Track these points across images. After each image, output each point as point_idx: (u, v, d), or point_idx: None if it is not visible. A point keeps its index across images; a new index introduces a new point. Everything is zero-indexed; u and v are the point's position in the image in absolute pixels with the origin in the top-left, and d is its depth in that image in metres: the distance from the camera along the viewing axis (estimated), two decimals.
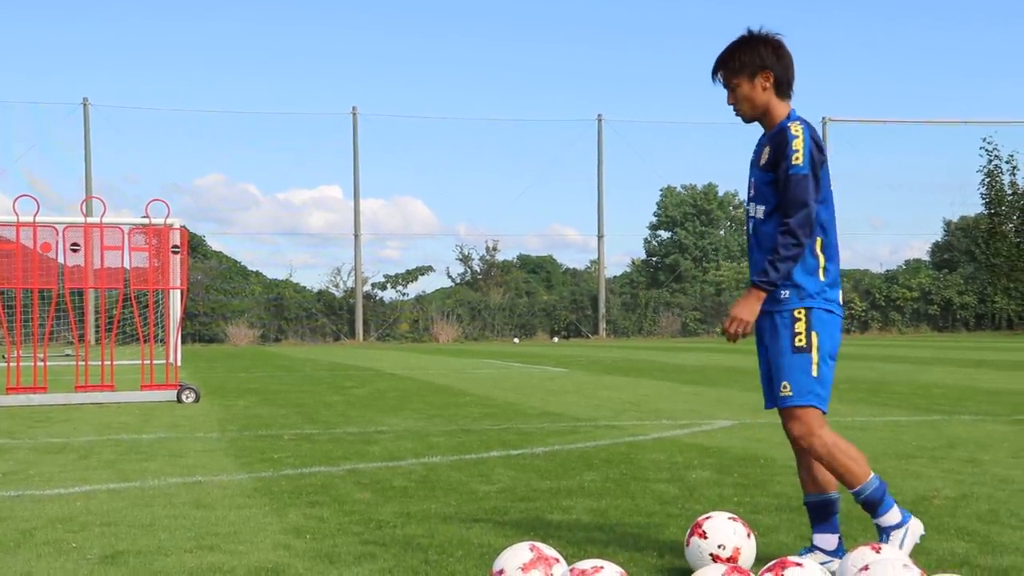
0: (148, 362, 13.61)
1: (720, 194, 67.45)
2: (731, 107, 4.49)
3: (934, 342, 37.49)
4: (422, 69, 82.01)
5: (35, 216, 13.16)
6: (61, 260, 13.41)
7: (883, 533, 4.28)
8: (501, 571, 3.75)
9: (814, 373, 4.27)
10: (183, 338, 13.74)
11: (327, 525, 5.37)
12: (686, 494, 6.20)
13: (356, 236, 47.26)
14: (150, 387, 13.50)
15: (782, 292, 4.29)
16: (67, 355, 21.73)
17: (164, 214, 13.81)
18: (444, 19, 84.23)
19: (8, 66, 75.81)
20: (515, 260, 58.90)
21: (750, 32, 4.44)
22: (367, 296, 47.73)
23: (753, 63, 4.39)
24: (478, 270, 53.97)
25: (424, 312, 47.80)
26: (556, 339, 47.54)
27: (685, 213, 66.47)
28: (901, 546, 4.20)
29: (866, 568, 3.45)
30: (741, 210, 67.77)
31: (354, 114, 47.01)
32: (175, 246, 13.91)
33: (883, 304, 50.35)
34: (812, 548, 4.43)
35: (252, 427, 10.19)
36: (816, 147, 4.28)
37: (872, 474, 4.29)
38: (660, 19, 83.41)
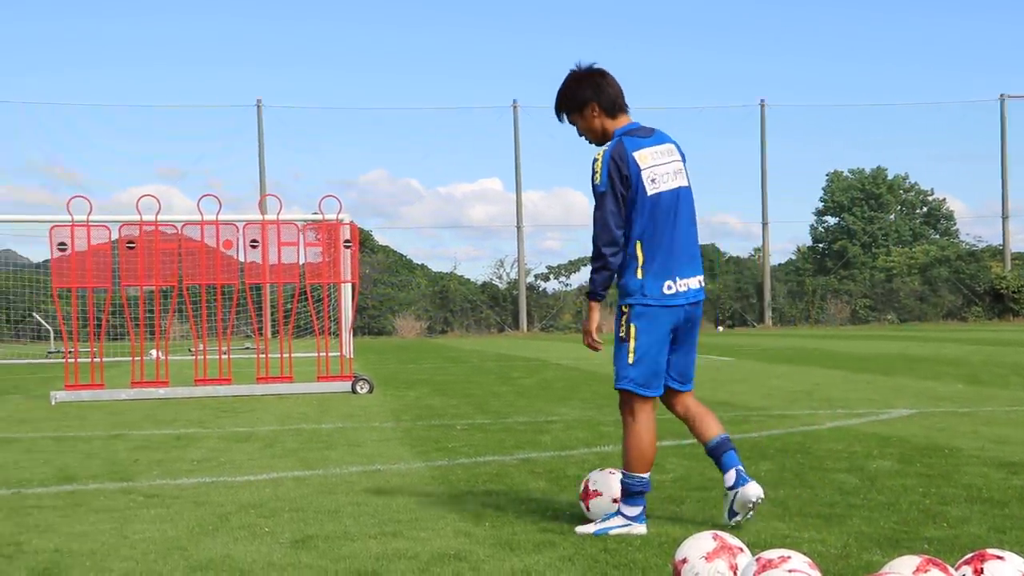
0: (323, 354, 14.05)
1: (889, 177, 65.26)
2: (583, 137, 5.20)
3: None
4: (577, 58, 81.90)
5: (217, 215, 13.74)
6: (240, 258, 13.97)
7: (617, 513, 4.95)
8: (684, 560, 3.73)
9: (630, 360, 4.97)
10: (353, 331, 14.09)
11: (505, 513, 5.44)
12: (867, 484, 6.05)
13: (519, 228, 47.58)
14: (326, 378, 13.93)
15: (618, 290, 5.04)
16: (247, 348, 22.60)
17: (336, 210, 14.22)
18: (606, 10, 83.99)
19: (185, 71, 79.21)
20: None
21: (571, 72, 5.13)
22: (530, 287, 48.03)
23: (577, 101, 5.11)
24: None
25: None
26: (721, 328, 46.90)
27: (853, 198, 64.54)
28: (610, 530, 4.87)
29: None
30: (912, 193, 65.47)
31: (515, 107, 47.30)
32: (347, 241, 14.29)
33: None
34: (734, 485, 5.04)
35: (425, 417, 10.41)
36: (615, 164, 4.89)
37: (646, 474, 4.97)
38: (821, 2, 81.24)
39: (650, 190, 4.93)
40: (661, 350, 5.00)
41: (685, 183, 5.07)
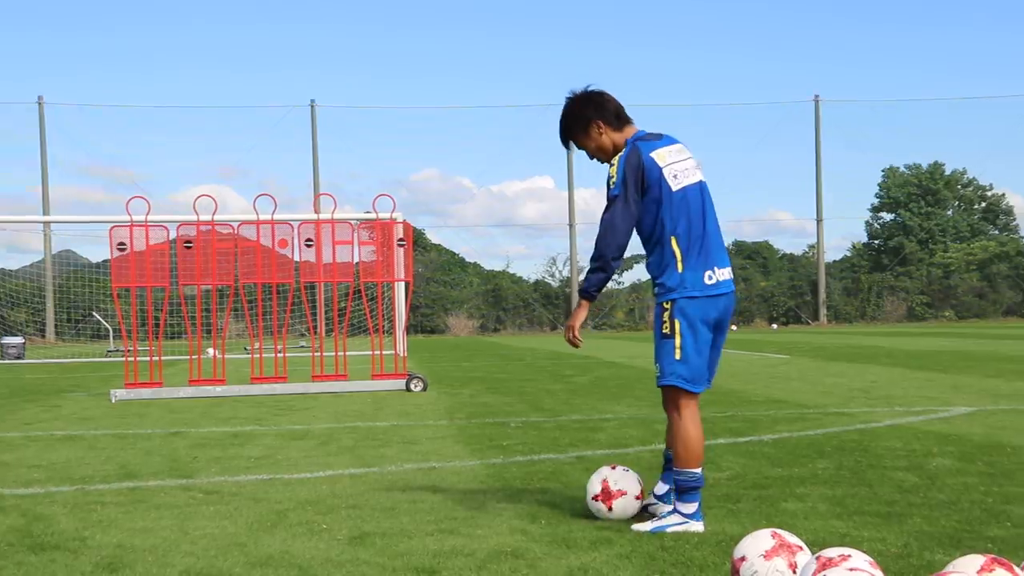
0: (378, 352, 14.13)
1: (947, 172, 64.31)
2: (594, 160, 5.25)
3: None
4: (628, 57, 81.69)
5: (273, 214, 13.86)
6: (295, 257, 14.09)
7: (673, 512, 4.95)
8: (743, 558, 3.71)
9: (677, 356, 4.96)
10: (407, 329, 14.15)
11: (560, 510, 5.44)
12: (927, 483, 5.97)
13: (571, 226, 47.59)
14: (381, 376, 14.01)
15: (656, 289, 5.04)
16: (302, 346, 22.80)
17: (390, 209, 14.29)
18: (657, 7, 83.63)
19: (240, 73, 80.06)
20: (731, 246, 57.95)
21: (567, 99, 5.21)
22: None
23: (580, 122, 5.17)
24: None
25: (640, 300, 47.69)
26: (775, 326, 46.56)
27: (909, 194, 63.65)
28: (667, 528, 4.87)
29: None
30: (970, 188, 64.52)
31: None
32: (400, 239, 14.37)
33: None
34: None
35: (479, 415, 10.44)
36: (631, 169, 4.95)
37: (699, 469, 4.95)
38: None
39: (675, 186, 4.98)
40: (707, 344, 5.02)
41: (703, 178, 5.14)
